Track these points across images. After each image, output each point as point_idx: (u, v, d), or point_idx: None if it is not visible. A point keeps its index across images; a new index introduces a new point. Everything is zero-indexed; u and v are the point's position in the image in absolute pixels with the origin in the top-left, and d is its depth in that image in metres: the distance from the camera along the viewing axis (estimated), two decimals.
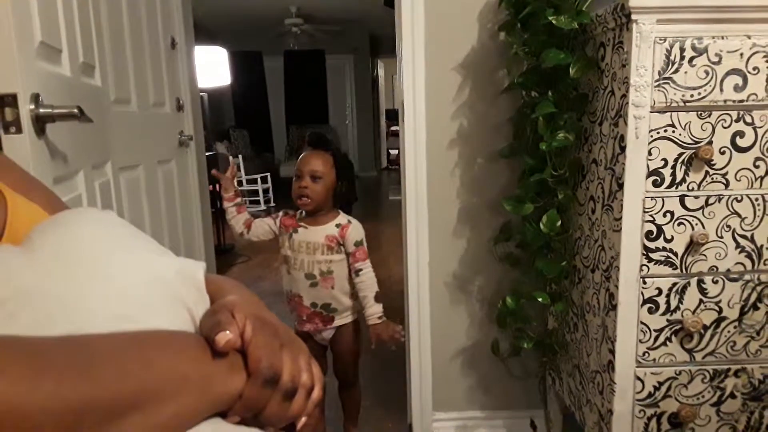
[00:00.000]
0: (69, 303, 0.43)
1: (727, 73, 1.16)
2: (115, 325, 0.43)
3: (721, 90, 1.16)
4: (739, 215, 1.22)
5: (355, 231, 1.68)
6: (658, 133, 1.18)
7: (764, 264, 1.25)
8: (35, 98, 0.99)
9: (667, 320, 1.26)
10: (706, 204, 1.21)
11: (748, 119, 1.18)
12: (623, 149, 1.20)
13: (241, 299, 0.55)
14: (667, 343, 1.27)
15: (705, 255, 1.23)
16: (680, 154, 1.19)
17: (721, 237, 1.22)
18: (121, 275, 0.47)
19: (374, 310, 1.67)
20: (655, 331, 1.26)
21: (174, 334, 0.47)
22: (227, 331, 0.47)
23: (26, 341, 0.37)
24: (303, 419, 0.54)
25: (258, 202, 6.89)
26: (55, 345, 0.38)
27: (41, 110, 1.00)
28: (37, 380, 0.34)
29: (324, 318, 1.72)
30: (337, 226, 1.69)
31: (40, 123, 1.00)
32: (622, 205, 1.22)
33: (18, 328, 0.40)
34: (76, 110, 1.03)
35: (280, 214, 1.77)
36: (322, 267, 1.68)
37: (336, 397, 1.89)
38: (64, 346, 0.39)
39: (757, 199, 1.21)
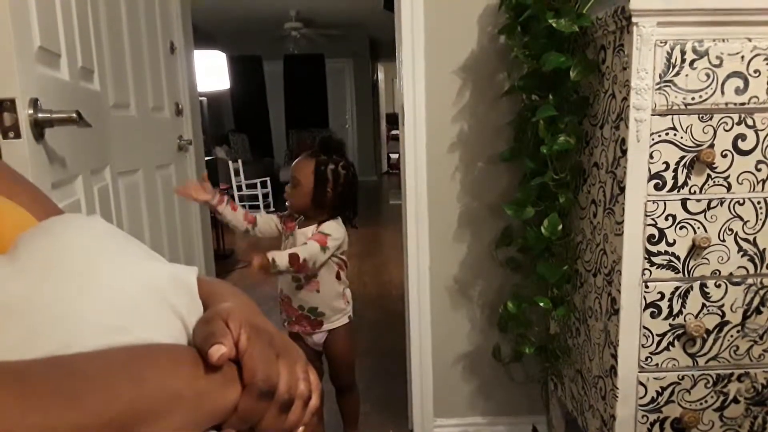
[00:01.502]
0: (57, 315, 0.41)
1: (728, 76, 1.15)
2: (105, 337, 0.42)
3: (722, 93, 1.16)
4: (742, 219, 1.21)
5: (327, 227, 1.65)
6: (659, 136, 1.17)
7: (767, 268, 1.24)
8: (34, 103, 0.98)
9: (670, 325, 1.25)
10: (708, 207, 1.20)
11: (750, 122, 1.17)
12: (624, 152, 1.20)
13: (236, 305, 0.53)
14: (670, 347, 1.26)
15: (707, 259, 1.22)
16: (682, 158, 1.18)
17: (724, 240, 1.22)
18: (111, 284, 0.45)
19: (281, 256, 1.55)
20: (657, 335, 1.25)
21: (165, 348, 0.46)
22: (221, 344, 0.46)
23: (11, 367, 0.36)
24: (300, 429, 0.53)
25: (258, 207, 6.88)
26: (42, 370, 0.37)
27: (40, 115, 0.99)
28: (24, 411, 0.33)
29: (312, 322, 1.71)
30: (317, 226, 1.68)
31: (38, 128, 1.00)
32: (623, 209, 1.21)
33: (4, 342, 0.38)
34: (74, 115, 1.02)
35: (285, 214, 1.76)
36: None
37: (335, 403, 1.88)
38: (50, 370, 0.37)
39: (759, 203, 1.21)
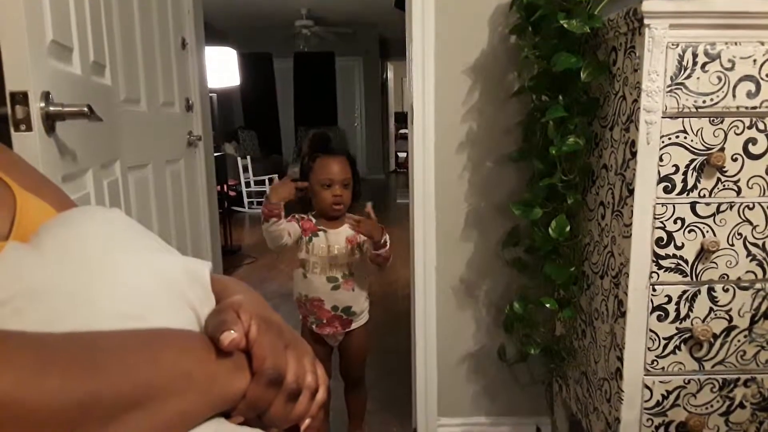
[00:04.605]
0: (77, 301, 0.43)
1: (740, 80, 1.15)
2: (122, 324, 0.43)
3: (734, 96, 1.15)
4: (751, 223, 1.20)
5: None
6: (669, 138, 1.17)
7: None
8: (46, 96, 0.99)
9: (677, 328, 1.25)
10: (718, 211, 1.20)
11: (761, 126, 1.17)
12: (634, 155, 1.19)
13: (247, 299, 0.55)
14: (676, 351, 1.26)
15: (716, 263, 1.22)
16: (692, 161, 1.18)
17: (733, 245, 1.21)
18: (129, 274, 0.47)
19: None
20: (664, 339, 1.25)
21: (179, 332, 0.47)
22: (232, 331, 0.47)
23: (32, 336, 0.38)
24: (307, 421, 0.54)
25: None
26: (61, 340, 0.39)
27: (51, 108, 1.00)
28: (42, 374, 0.35)
29: (343, 321, 1.72)
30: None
31: (50, 121, 1.01)
32: (632, 212, 1.21)
33: (25, 325, 0.40)
34: (85, 108, 1.03)
35: (297, 217, 1.73)
36: (344, 269, 1.68)
37: (340, 401, 1.89)
38: (70, 341, 0.39)
39: None
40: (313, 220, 1.72)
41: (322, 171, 1.67)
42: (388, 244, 1.62)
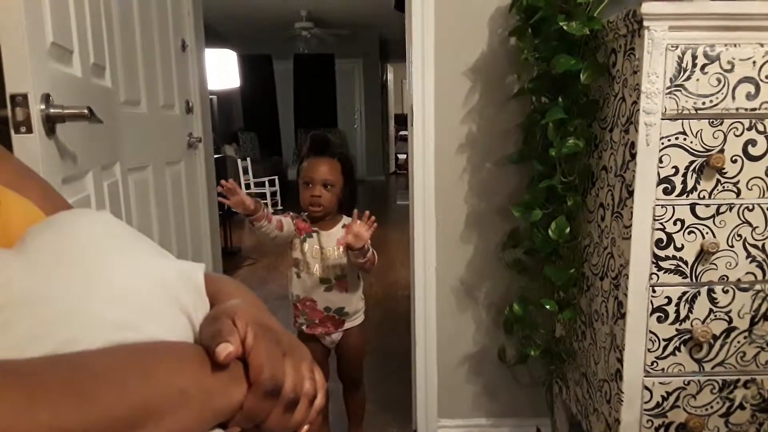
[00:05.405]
0: (68, 309, 0.42)
1: (740, 81, 1.15)
2: (115, 333, 0.42)
3: (734, 98, 1.15)
4: (751, 224, 1.21)
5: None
6: (669, 140, 1.17)
7: None
8: (46, 98, 0.99)
9: (677, 330, 1.25)
10: (717, 213, 1.20)
11: (761, 128, 1.17)
12: (634, 156, 1.19)
13: (243, 303, 0.53)
14: (676, 352, 1.26)
15: (715, 264, 1.22)
16: (691, 162, 1.18)
17: (732, 246, 1.21)
18: (121, 280, 0.46)
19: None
20: (663, 340, 1.25)
21: (172, 346, 0.46)
22: (228, 342, 0.46)
23: (22, 365, 0.36)
24: (305, 427, 0.53)
25: (265, 205, 6.89)
26: (51, 367, 0.37)
27: (52, 110, 1.00)
28: (34, 408, 0.34)
29: (336, 322, 1.72)
30: (343, 227, 1.70)
31: (50, 123, 1.01)
32: (632, 213, 1.21)
33: (13, 336, 0.39)
34: (86, 111, 1.03)
35: (292, 215, 1.73)
36: (336, 271, 1.68)
37: (340, 403, 1.89)
38: (60, 368, 0.38)
39: None
40: (307, 222, 1.72)
41: (306, 170, 1.67)
42: (370, 251, 1.61)
